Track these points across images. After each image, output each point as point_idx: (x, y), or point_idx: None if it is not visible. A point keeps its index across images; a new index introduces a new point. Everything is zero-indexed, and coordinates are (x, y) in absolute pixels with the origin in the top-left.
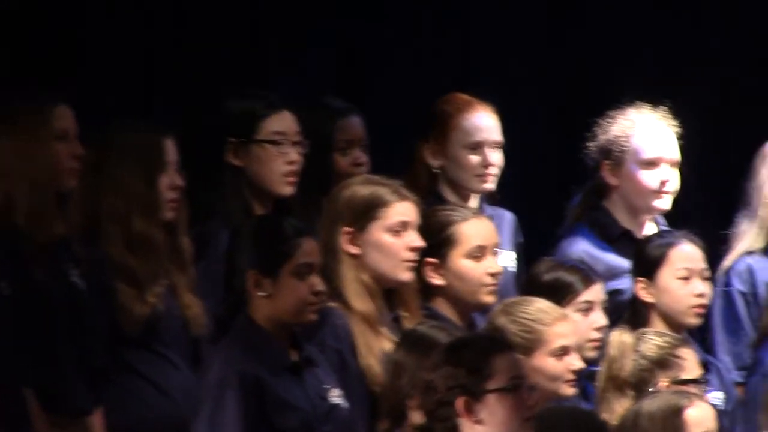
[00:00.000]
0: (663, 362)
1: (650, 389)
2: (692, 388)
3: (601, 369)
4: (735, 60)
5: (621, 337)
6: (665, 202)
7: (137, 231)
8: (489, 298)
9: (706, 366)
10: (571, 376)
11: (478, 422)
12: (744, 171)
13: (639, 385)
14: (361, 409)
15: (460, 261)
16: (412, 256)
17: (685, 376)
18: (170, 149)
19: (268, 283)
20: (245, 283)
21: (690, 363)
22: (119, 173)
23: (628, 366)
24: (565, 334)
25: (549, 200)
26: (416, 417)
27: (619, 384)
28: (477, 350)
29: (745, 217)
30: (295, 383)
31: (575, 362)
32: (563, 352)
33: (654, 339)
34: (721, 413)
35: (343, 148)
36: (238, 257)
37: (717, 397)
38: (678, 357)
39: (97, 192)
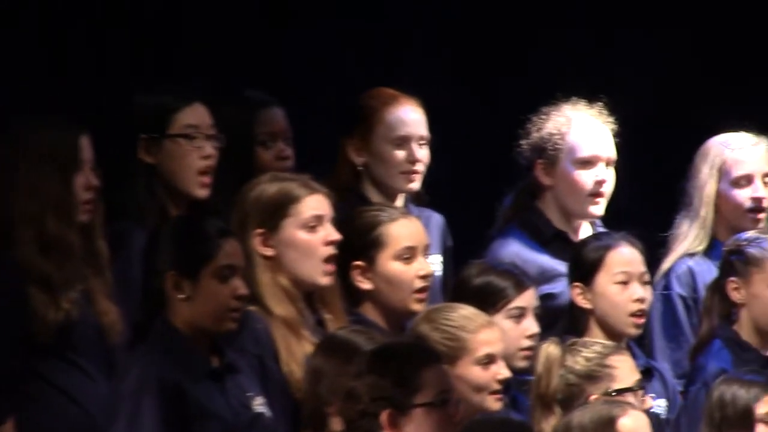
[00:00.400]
0: (592, 375)
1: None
2: (629, 397)
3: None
4: (672, 56)
5: (548, 350)
6: (600, 208)
7: (51, 234)
8: (418, 306)
9: (649, 372)
10: (497, 387)
11: None
12: (684, 169)
13: (567, 401)
14: (284, 416)
15: (388, 263)
16: (330, 251)
17: (617, 386)
18: (86, 147)
19: (188, 286)
20: (163, 285)
21: (623, 371)
22: (32, 173)
23: (555, 382)
24: (491, 341)
25: (479, 201)
26: (336, 424)
27: (546, 401)
28: (405, 361)
29: (685, 217)
30: (216, 390)
31: (502, 371)
32: (489, 360)
33: (583, 351)
34: (664, 422)
35: (265, 142)
36: (156, 258)
37: (660, 405)
38: (608, 367)
39: (8, 193)
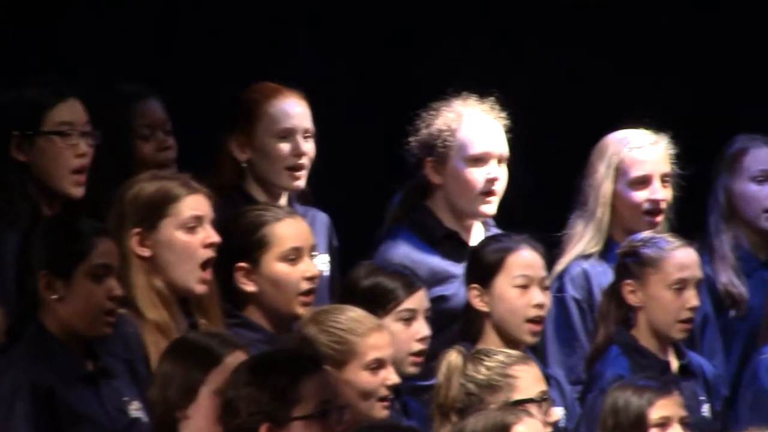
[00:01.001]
0: (491, 385)
1: None
2: (531, 408)
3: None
4: (564, 47)
5: (450, 359)
6: (492, 207)
7: None
8: (302, 310)
9: (546, 380)
10: (385, 393)
11: None
12: (578, 167)
13: (466, 410)
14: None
15: (273, 265)
16: (209, 253)
17: (518, 396)
18: None
19: (61, 286)
20: (36, 285)
21: (526, 381)
22: None
23: (455, 391)
24: (380, 345)
25: (367, 200)
26: (185, 428)
27: (445, 411)
28: (283, 373)
29: (580, 217)
30: (91, 395)
31: (391, 377)
32: (378, 365)
33: (485, 360)
34: (563, 430)
35: (145, 135)
36: (29, 258)
37: (557, 413)
38: (510, 377)
39: None
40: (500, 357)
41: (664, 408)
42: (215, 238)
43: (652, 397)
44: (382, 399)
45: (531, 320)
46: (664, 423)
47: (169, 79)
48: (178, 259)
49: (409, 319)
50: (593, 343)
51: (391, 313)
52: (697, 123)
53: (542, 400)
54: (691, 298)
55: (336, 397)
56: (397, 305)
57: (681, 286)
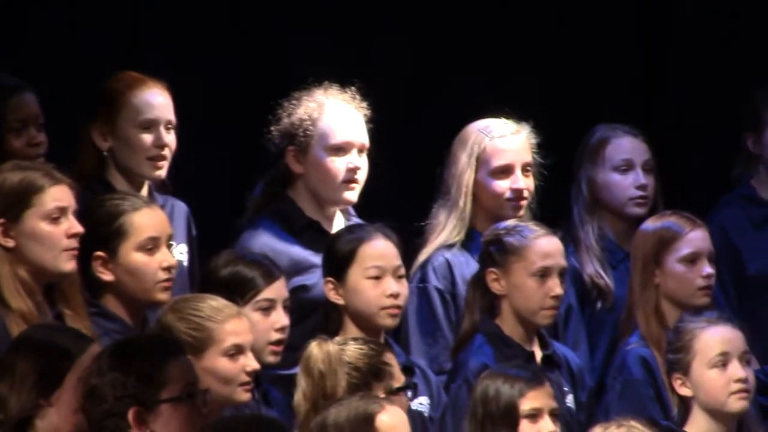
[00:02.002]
0: (377, 372)
1: None
2: (401, 397)
3: (302, 384)
4: (426, 41)
5: (327, 348)
6: (353, 194)
7: None
8: (163, 296)
9: (410, 369)
10: (245, 378)
11: None
12: (438, 156)
13: None
14: None
15: (131, 254)
16: (73, 243)
17: (396, 384)
18: None
19: None
20: None
21: (397, 369)
22: None
23: (344, 382)
24: (239, 332)
25: (228, 189)
26: (44, 420)
27: (323, 401)
28: (148, 357)
29: (442, 207)
30: None
31: (250, 363)
32: (237, 351)
33: (362, 349)
34: (428, 420)
35: (17, 129)
36: None
37: (423, 402)
38: (387, 365)
39: None
40: (372, 344)
41: (535, 399)
42: (78, 228)
43: (523, 388)
44: (243, 385)
45: (386, 308)
46: (535, 414)
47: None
48: (42, 249)
49: (267, 308)
50: (459, 332)
51: (249, 302)
52: (558, 112)
53: (409, 388)
54: (555, 286)
55: (199, 381)
56: (256, 294)
57: (544, 274)
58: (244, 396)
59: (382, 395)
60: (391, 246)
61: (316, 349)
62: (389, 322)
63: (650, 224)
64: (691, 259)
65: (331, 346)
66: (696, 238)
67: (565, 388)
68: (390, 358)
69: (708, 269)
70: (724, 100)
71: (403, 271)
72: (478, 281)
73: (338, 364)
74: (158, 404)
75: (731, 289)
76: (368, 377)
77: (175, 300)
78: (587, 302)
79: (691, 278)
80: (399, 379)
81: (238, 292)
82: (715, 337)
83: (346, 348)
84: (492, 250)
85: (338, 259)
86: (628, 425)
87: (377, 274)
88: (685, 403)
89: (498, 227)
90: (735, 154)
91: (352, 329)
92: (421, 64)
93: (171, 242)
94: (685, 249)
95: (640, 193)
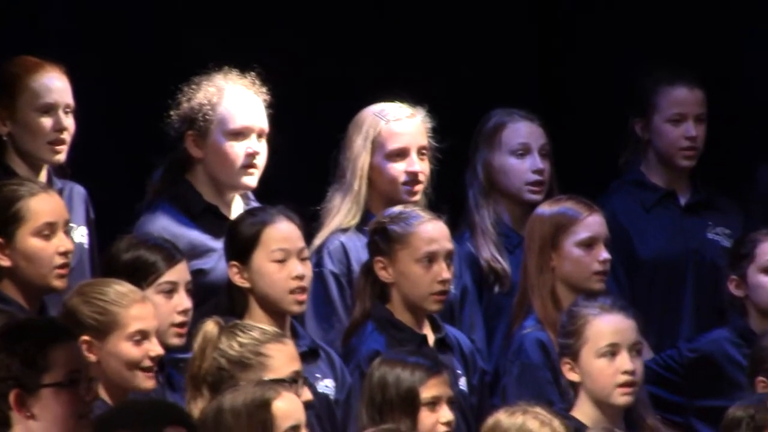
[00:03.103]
0: (243, 363)
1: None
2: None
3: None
4: (321, 28)
5: (205, 329)
6: (252, 179)
7: None
8: (59, 282)
9: (315, 352)
10: (149, 363)
11: (31, 417)
12: (336, 141)
13: (216, 385)
14: None
15: (27, 240)
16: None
17: (270, 376)
18: None
19: None
20: None
21: (279, 361)
22: None
23: (207, 363)
24: (143, 317)
25: (128, 173)
26: None
27: (197, 383)
28: (34, 340)
29: (337, 190)
30: None
31: (155, 348)
32: (141, 336)
33: (239, 336)
34: (333, 402)
35: None
36: None
37: (328, 385)
38: (262, 355)
39: None
40: (255, 334)
41: (435, 388)
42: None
43: (423, 377)
44: (147, 370)
45: (293, 291)
46: (434, 402)
47: None
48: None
49: (170, 291)
50: (351, 318)
51: (152, 285)
52: (454, 97)
53: (294, 381)
54: (442, 270)
55: (86, 368)
56: (158, 278)
57: (430, 259)
58: (147, 383)
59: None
60: (295, 228)
61: (199, 329)
62: (296, 308)
63: (546, 208)
64: (588, 244)
65: (209, 328)
66: (593, 222)
67: (458, 371)
68: (271, 349)
69: (605, 254)
70: (615, 85)
71: (306, 252)
72: (368, 269)
73: (209, 347)
74: (39, 388)
75: (623, 274)
76: (233, 366)
77: (81, 284)
78: (484, 286)
79: (588, 262)
80: (278, 372)
81: (140, 275)
82: (606, 326)
83: (227, 333)
84: (377, 238)
85: (242, 243)
86: (533, 411)
87: (282, 257)
88: (574, 388)
89: (382, 216)
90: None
91: (257, 312)
92: (317, 48)
93: (71, 225)
94: (582, 233)
95: (536, 177)
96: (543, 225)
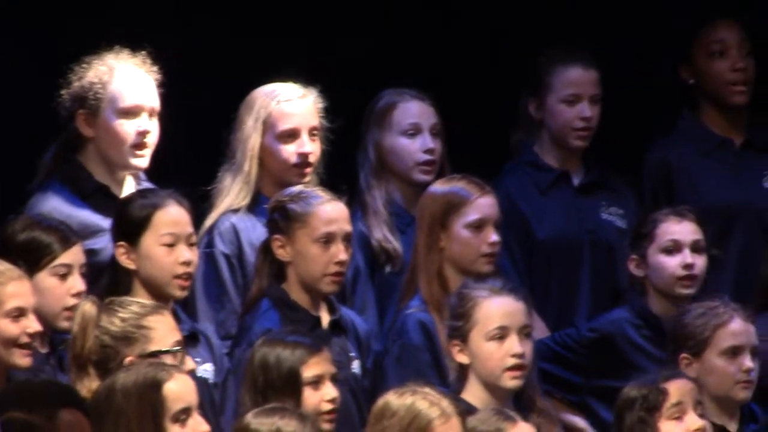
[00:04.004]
0: (127, 337)
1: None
2: (167, 359)
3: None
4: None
5: (84, 309)
6: (143, 160)
7: None
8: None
9: (195, 336)
10: (26, 340)
11: None
12: (227, 121)
13: (102, 363)
14: None
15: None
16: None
17: (154, 347)
18: None
19: None
20: None
21: (161, 332)
22: None
23: (90, 342)
24: (21, 294)
25: (20, 154)
26: None
27: (82, 362)
28: None
29: (228, 171)
30: None
31: (32, 325)
32: (19, 313)
33: (119, 311)
34: (212, 386)
35: None
36: None
37: (207, 369)
38: (145, 328)
39: None
40: (134, 308)
41: (317, 366)
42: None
43: (304, 355)
44: (24, 347)
45: (179, 276)
46: (317, 381)
47: None
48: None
49: (64, 274)
50: (247, 297)
51: (46, 267)
52: (347, 77)
53: (177, 351)
54: (339, 252)
55: None
56: (53, 260)
57: (328, 240)
58: (22, 360)
59: (132, 359)
60: (185, 213)
61: (77, 309)
62: (178, 293)
63: (438, 187)
64: (478, 225)
65: (88, 307)
66: (484, 204)
67: (352, 354)
68: (152, 321)
69: (494, 237)
70: (509, 64)
71: (194, 238)
72: (267, 247)
73: (90, 325)
74: None
75: (519, 256)
76: (116, 341)
77: None
78: (376, 266)
79: (477, 244)
80: (161, 343)
81: (35, 257)
82: (495, 309)
83: (107, 310)
84: (276, 217)
85: (131, 225)
86: (422, 392)
87: (171, 242)
88: (464, 370)
89: (282, 194)
90: (517, 119)
91: (141, 293)
92: (209, 27)
93: None
94: (472, 215)
95: (427, 157)
96: (434, 204)
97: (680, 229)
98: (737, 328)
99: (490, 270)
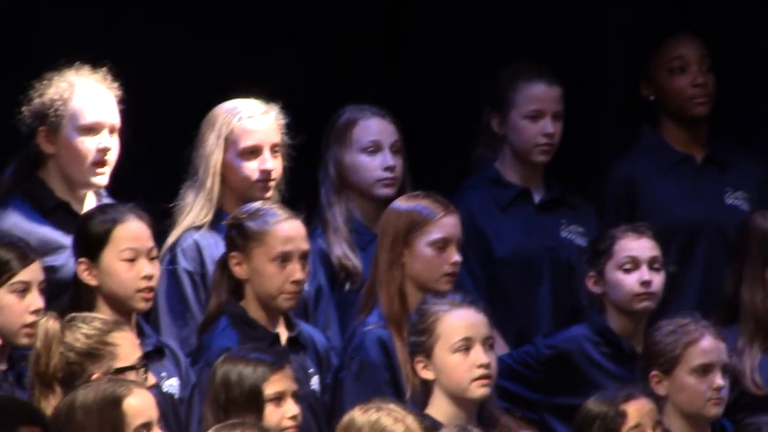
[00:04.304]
0: (92, 353)
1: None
2: (131, 375)
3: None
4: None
5: (47, 326)
6: (103, 177)
7: None
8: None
9: (161, 351)
10: None
11: None
12: (189, 138)
13: (68, 380)
14: None
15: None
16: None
17: (119, 364)
18: None
19: None
20: None
21: (125, 348)
22: None
23: (55, 359)
24: None
25: None
26: None
27: (47, 380)
28: None
29: (190, 188)
30: None
31: None
32: None
33: (83, 328)
34: (178, 401)
35: None
36: None
37: (173, 384)
38: (110, 344)
39: None
40: (97, 324)
41: (278, 383)
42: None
43: (266, 372)
44: None
45: (141, 290)
46: (279, 397)
47: None
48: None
49: (23, 290)
50: (206, 312)
51: (4, 284)
52: (307, 93)
53: (141, 367)
54: (295, 270)
55: None
56: (11, 277)
57: (284, 258)
58: None
59: (98, 375)
60: (145, 227)
61: (40, 326)
62: (142, 305)
63: (402, 204)
64: (441, 245)
65: (51, 323)
66: (448, 223)
67: (311, 370)
68: (117, 337)
69: (456, 257)
70: (469, 80)
71: (156, 252)
72: (224, 263)
73: (54, 342)
74: None
75: (479, 272)
76: (83, 358)
77: None
78: (336, 283)
79: (439, 263)
80: (126, 359)
81: None
82: (458, 321)
83: (71, 327)
84: (234, 234)
85: (92, 240)
86: (387, 408)
87: (132, 256)
88: (427, 386)
89: (240, 211)
90: (478, 134)
91: (104, 310)
92: (171, 45)
93: None
94: (436, 234)
95: (387, 174)
96: (397, 220)
97: (638, 246)
98: (708, 345)
99: (450, 289)
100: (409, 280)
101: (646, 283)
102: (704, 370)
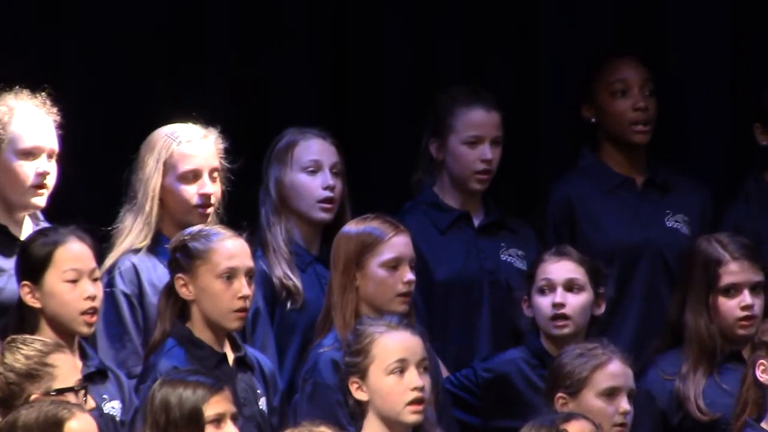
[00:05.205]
0: (32, 374)
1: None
2: (70, 397)
3: None
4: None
5: None
6: (42, 200)
7: None
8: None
9: (104, 373)
10: None
11: None
12: (128, 161)
13: (6, 400)
14: None
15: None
16: None
17: (58, 385)
18: None
19: None
20: None
21: (64, 370)
22: None
23: None
24: None
25: None
26: None
27: None
28: None
29: (129, 211)
30: None
31: None
32: None
33: (23, 349)
34: (119, 423)
35: None
36: None
37: (115, 406)
38: (49, 366)
39: None
40: (37, 345)
41: (218, 404)
42: None
43: (206, 394)
44: None
45: (85, 312)
46: (219, 419)
47: None
48: None
49: None
50: (150, 340)
51: None
52: (249, 116)
53: (81, 389)
54: (242, 287)
55: None
56: None
57: (231, 275)
58: None
59: (35, 396)
60: (86, 248)
61: None
62: (85, 330)
63: (353, 227)
64: (393, 265)
65: None
66: (399, 243)
67: (258, 391)
68: (57, 358)
69: (409, 275)
70: (410, 104)
71: (98, 273)
72: (170, 290)
73: None
74: None
75: (418, 296)
76: (22, 379)
77: None
78: (276, 303)
79: (392, 284)
80: (65, 381)
81: None
82: (393, 343)
83: (11, 348)
84: (178, 256)
85: (34, 263)
86: (318, 430)
87: (74, 277)
88: (362, 408)
89: (183, 233)
90: (417, 159)
91: (47, 332)
92: (110, 67)
93: None
94: (387, 254)
95: (327, 194)
96: (348, 244)
97: (555, 269)
98: (616, 369)
99: (405, 309)
100: (363, 302)
101: (557, 305)
102: (611, 393)
